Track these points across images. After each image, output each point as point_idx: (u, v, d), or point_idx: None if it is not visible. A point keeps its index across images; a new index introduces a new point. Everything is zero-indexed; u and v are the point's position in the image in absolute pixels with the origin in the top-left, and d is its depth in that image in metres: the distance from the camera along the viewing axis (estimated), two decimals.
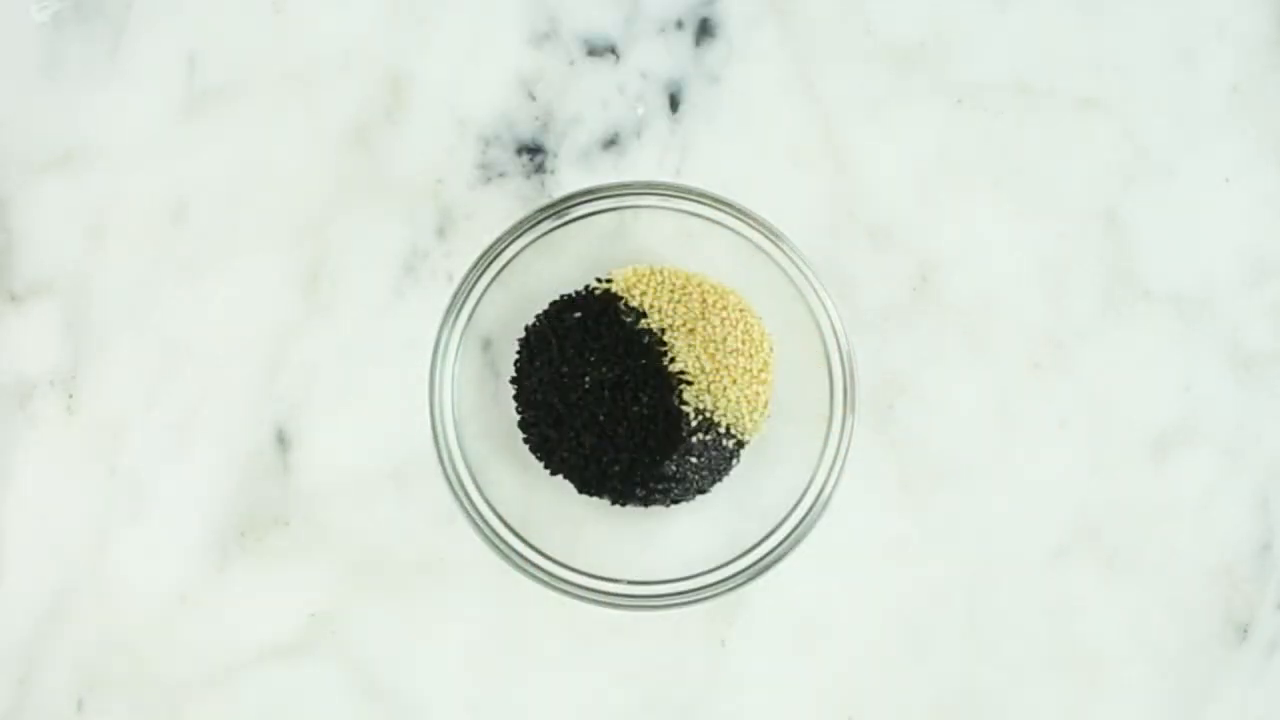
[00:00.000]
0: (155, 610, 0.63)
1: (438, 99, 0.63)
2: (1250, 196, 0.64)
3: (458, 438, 0.59)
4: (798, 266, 0.59)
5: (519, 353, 0.60)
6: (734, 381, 0.59)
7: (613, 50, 0.64)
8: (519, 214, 0.60)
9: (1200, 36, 0.64)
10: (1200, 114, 0.64)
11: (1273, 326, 0.64)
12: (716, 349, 0.59)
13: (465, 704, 0.63)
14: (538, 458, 0.60)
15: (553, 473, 0.60)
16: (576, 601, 0.58)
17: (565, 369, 0.58)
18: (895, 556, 0.63)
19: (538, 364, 0.59)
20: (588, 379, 0.58)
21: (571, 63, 0.64)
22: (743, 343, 0.59)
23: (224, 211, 0.63)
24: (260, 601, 0.63)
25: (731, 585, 0.58)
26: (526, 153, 0.63)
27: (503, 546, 0.58)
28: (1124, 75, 0.64)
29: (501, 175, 0.63)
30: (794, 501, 0.59)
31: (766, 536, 0.59)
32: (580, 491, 0.60)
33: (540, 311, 0.60)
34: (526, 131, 0.63)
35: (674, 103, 0.64)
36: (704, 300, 0.59)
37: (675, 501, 0.60)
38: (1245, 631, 0.64)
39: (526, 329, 0.60)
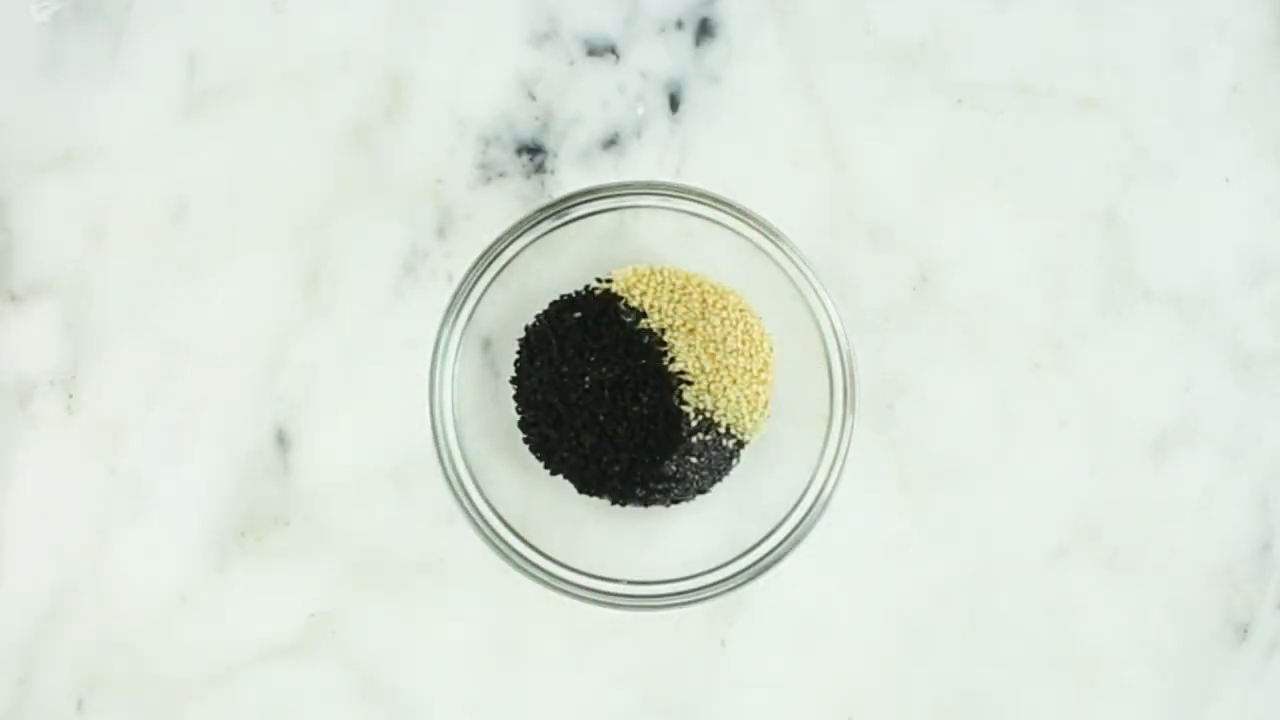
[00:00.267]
0: (155, 610, 0.63)
1: (438, 99, 0.63)
2: (1250, 196, 0.64)
3: (458, 438, 0.59)
4: (798, 266, 0.59)
5: (519, 353, 0.60)
6: (734, 381, 0.59)
7: (613, 50, 0.64)
8: (519, 214, 0.60)
9: (1200, 36, 0.64)
10: (1200, 114, 0.64)
11: (1273, 326, 0.64)
12: (716, 349, 0.59)
13: (465, 704, 0.63)
14: (538, 458, 0.60)
15: (553, 473, 0.60)
16: (576, 601, 0.58)
17: (565, 369, 0.58)
18: (895, 556, 0.63)
19: (538, 364, 0.59)
20: (588, 379, 0.58)
21: (571, 63, 0.64)
22: (743, 343, 0.59)
23: (224, 211, 0.63)
24: (260, 601, 0.63)
25: (731, 585, 0.58)
26: (526, 153, 0.63)
27: (503, 546, 0.58)
28: (1124, 75, 0.64)
29: (501, 175, 0.63)
30: (794, 501, 0.59)
31: (766, 536, 0.59)
32: (580, 491, 0.60)
33: (540, 311, 0.60)
34: (526, 131, 0.63)
35: (674, 103, 0.64)
36: (704, 300, 0.59)
37: (675, 501, 0.60)
38: (1245, 631, 0.63)
39: (526, 329, 0.60)
